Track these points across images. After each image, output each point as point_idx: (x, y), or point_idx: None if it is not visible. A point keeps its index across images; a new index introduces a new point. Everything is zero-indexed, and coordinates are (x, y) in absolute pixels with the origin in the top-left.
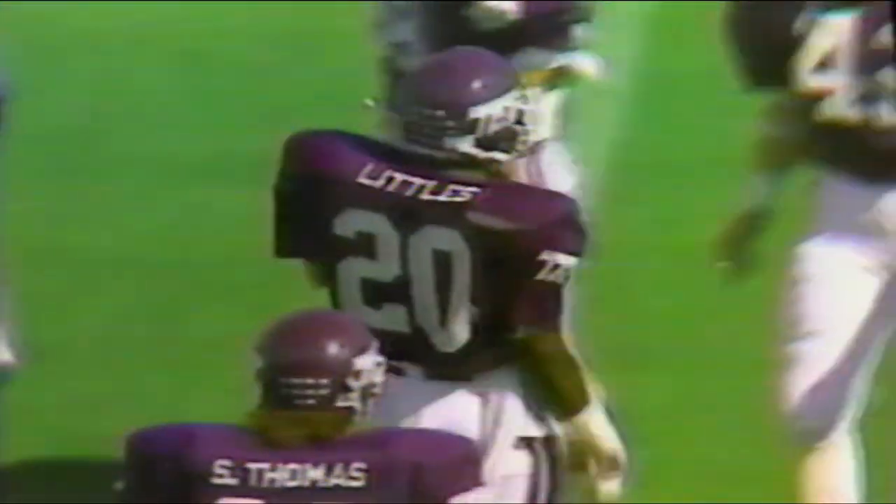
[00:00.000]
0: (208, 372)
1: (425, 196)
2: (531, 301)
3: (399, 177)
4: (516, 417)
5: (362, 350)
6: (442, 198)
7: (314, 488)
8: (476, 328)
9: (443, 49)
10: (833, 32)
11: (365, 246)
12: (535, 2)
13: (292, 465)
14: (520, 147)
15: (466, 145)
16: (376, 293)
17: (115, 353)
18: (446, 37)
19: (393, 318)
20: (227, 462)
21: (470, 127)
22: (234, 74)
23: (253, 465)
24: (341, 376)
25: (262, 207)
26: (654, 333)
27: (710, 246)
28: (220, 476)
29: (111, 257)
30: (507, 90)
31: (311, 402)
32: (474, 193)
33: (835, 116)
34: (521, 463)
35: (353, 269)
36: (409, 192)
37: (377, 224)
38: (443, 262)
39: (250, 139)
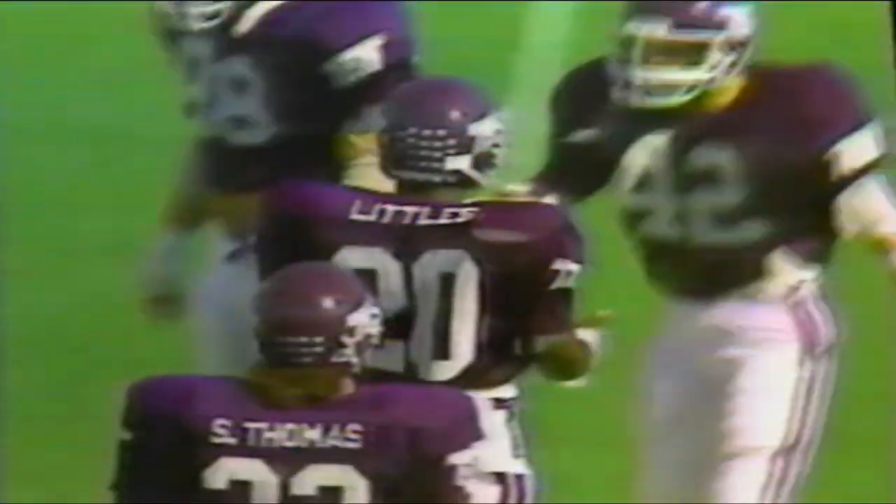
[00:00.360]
0: (112, 450)
1: (423, 222)
2: (548, 311)
3: (391, 208)
4: (490, 450)
5: (356, 305)
6: (442, 221)
7: (311, 449)
8: (481, 349)
9: (293, 116)
10: (648, 152)
11: (365, 282)
12: (391, 50)
13: (290, 426)
14: (495, 169)
15: (465, 165)
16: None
17: (18, 429)
18: (297, 101)
19: (390, 355)
20: (225, 421)
21: (468, 145)
22: (144, 152)
23: (251, 425)
24: (336, 334)
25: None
26: (557, 407)
27: None
28: (219, 435)
29: (15, 334)
30: (491, 109)
31: (306, 360)
32: (474, 212)
33: (654, 235)
34: (489, 496)
35: None
36: (406, 221)
37: (376, 258)
38: (450, 285)
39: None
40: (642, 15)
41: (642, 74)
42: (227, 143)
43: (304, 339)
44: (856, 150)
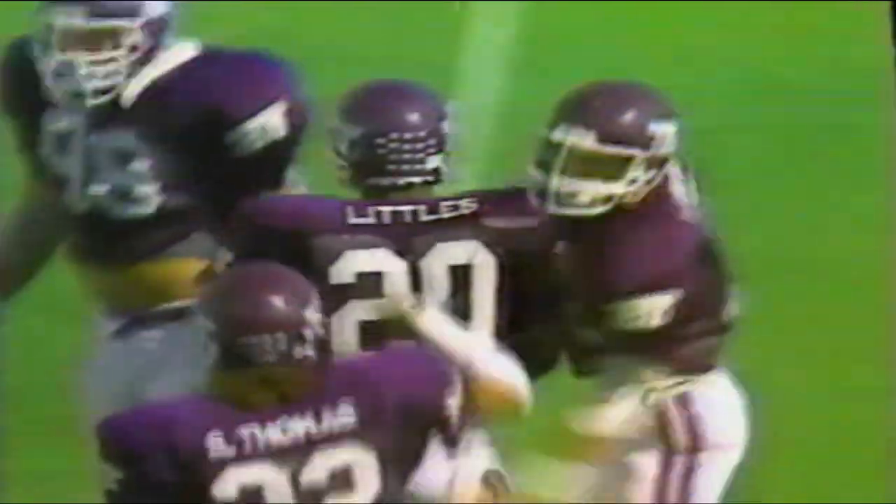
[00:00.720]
0: None
1: (425, 218)
2: (548, 295)
3: (386, 209)
4: (483, 447)
5: (308, 300)
6: (445, 214)
7: (311, 438)
8: (500, 338)
9: (185, 186)
10: None
11: (369, 286)
12: (293, 114)
13: (280, 422)
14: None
15: (441, 162)
16: (380, 333)
17: None
18: (191, 170)
19: None
20: (218, 433)
21: (443, 143)
22: None
23: (244, 431)
24: (296, 328)
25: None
26: None
27: None
28: (216, 450)
29: None
30: (446, 106)
31: (270, 358)
32: (477, 202)
33: None
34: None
35: (352, 315)
36: (407, 219)
37: (380, 260)
38: (461, 278)
39: None
40: (570, 122)
41: (558, 182)
42: (106, 217)
43: (267, 338)
44: (635, 312)
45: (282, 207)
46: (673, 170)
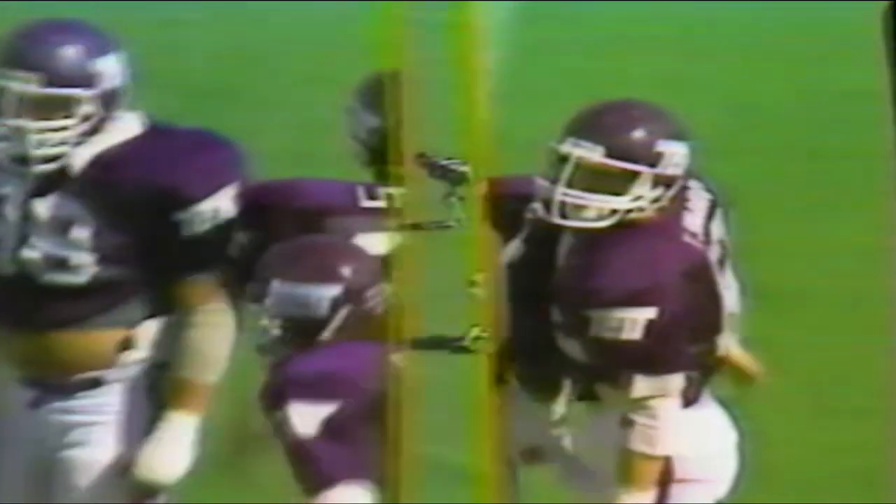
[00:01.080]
0: None
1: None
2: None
3: (397, 191)
4: None
5: None
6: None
7: None
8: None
9: (123, 259)
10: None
11: (381, 267)
12: (241, 196)
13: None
14: None
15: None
16: None
17: None
18: (133, 245)
19: None
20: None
21: None
22: None
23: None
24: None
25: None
26: None
27: None
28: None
29: None
30: None
31: (384, 305)
32: (489, 184)
33: None
34: None
35: None
36: None
37: (392, 242)
38: None
39: None
40: (579, 136)
41: (564, 194)
42: (35, 282)
43: (383, 287)
44: (614, 322)
45: (295, 188)
46: (696, 200)
